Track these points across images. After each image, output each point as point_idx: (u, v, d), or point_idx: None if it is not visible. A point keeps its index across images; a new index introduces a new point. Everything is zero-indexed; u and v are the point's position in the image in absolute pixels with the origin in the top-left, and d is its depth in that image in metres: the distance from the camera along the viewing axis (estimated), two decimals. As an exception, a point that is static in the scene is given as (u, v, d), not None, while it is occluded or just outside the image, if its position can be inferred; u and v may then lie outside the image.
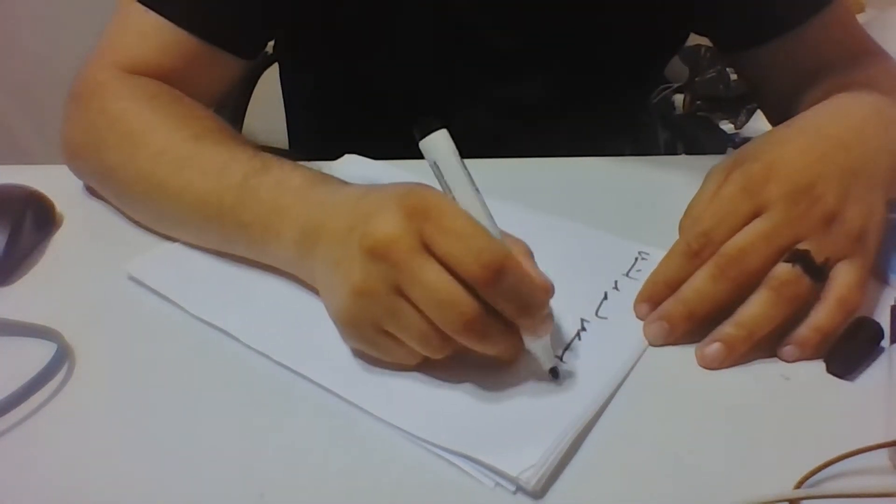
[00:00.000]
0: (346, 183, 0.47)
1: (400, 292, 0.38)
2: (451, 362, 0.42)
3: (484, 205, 0.40)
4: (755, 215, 0.45)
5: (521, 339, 0.40)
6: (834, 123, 0.50)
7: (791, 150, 0.48)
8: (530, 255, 0.41)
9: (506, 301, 0.38)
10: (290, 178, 0.47)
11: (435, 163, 0.39)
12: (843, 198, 0.45)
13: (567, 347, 0.44)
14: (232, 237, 0.49)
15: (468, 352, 0.40)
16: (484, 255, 0.37)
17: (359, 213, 0.41)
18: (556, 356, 0.42)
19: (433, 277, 0.37)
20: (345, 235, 0.41)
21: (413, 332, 0.39)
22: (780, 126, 0.51)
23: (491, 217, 0.40)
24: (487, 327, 0.38)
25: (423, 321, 0.38)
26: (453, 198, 0.39)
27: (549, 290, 0.40)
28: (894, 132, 0.50)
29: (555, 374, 0.41)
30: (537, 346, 0.41)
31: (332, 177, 0.48)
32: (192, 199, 0.50)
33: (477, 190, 0.40)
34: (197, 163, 0.51)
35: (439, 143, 0.39)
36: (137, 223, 0.55)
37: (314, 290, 0.46)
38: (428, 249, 0.38)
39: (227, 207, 0.48)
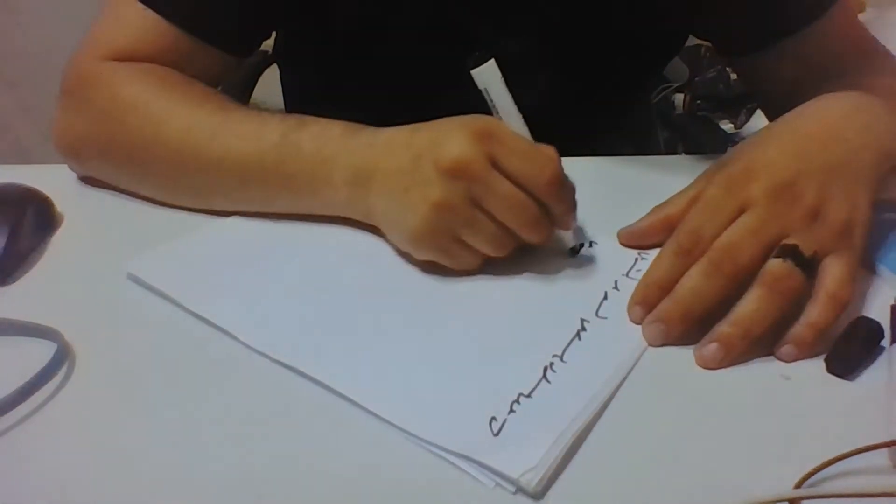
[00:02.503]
0: (381, 128, 0.52)
1: (476, 204, 0.46)
2: (456, 359, 0.43)
3: (525, 124, 0.49)
4: (740, 213, 0.46)
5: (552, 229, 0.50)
6: (813, 123, 0.51)
7: (770, 150, 0.49)
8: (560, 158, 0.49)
9: (558, 203, 0.48)
10: (328, 128, 0.52)
11: (486, 89, 0.48)
12: (823, 194, 0.46)
13: (567, 347, 0.44)
14: (275, 193, 0.53)
15: (524, 244, 0.49)
16: (547, 170, 0.46)
17: (419, 145, 0.48)
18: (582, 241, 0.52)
19: (506, 189, 0.46)
20: (410, 166, 0.47)
21: (487, 235, 0.48)
22: (762, 129, 0.52)
23: (530, 135, 0.49)
24: (544, 222, 0.48)
25: (494, 226, 0.47)
26: (500, 118, 0.48)
27: (574, 190, 0.49)
28: (879, 128, 0.51)
29: (574, 251, 0.52)
30: (565, 234, 0.52)
31: (365, 126, 0.52)
32: (231, 164, 0.53)
33: (519, 112, 0.48)
34: (229, 130, 0.54)
35: (489, 72, 0.48)
36: (138, 222, 0.56)
37: (371, 229, 0.52)
38: (496, 167, 0.46)
39: (269, 164, 0.52)
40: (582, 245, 0.52)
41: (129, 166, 0.57)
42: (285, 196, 0.53)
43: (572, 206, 0.49)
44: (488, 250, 0.48)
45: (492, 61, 0.47)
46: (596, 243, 0.53)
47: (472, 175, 0.45)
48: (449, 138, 0.46)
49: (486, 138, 0.46)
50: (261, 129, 0.53)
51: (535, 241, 0.49)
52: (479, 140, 0.46)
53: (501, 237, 0.48)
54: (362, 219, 0.52)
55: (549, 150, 0.47)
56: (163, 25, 0.59)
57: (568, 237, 0.52)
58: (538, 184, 0.46)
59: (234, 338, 0.45)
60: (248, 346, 0.44)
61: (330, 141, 0.52)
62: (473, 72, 0.47)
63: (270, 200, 0.54)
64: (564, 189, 0.48)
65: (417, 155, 0.47)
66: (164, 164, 0.55)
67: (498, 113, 0.48)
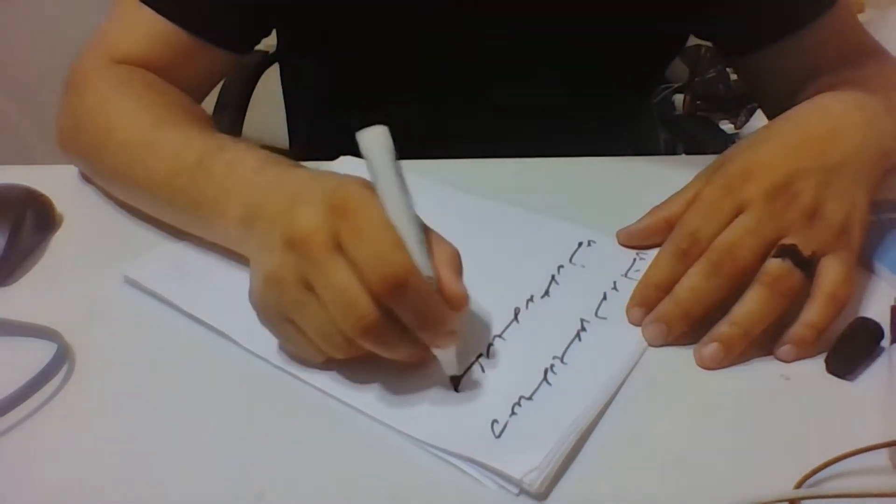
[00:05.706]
0: (298, 165, 0.47)
1: (308, 286, 0.38)
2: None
3: (410, 207, 0.39)
4: (737, 213, 0.46)
5: (425, 346, 0.40)
6: (812, 121, 0.50)
7: (768, 150, 0.48)
8: (456, 262, 0.40)
9: (404, 313, 0.38)
10: (243, 158, 0.48)
11: (368, 158, 0.39)
12: (821, 193, 0.46)
13: (567, 349, 0.44)
14: (186, 216, 0.51)
15: (373, 355, 0.39)
16: (385, 267, 0.36)
17: (294, 200, 0.41)
18: (470, 363, 0.43)
19: (339, 278, 0.37)
20: (274, 220, 0.41)
21: (316, 328, 0.39)
22: (760, 128, 0.52)
23: (415, 220, 0.38)
24: (387, 333, 0.38)
25: (326, 319, 0.38)
26: (379, 195, 0.38)
27: (460, 303, 0.39)
28: (878, 127, 0.51)
29: (455, 382, 0.41)
30: (440, 354, 0.40)
31: (287, 160, 0.47)
32: (152, 184, 0.52)
33: (405, 191, 0.39)
34: (156, 149, 0.52)
35: (373, 139, 0.39)
36: (137, 223, 0.56)
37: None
38: (341, 249, 0.37)
39: (180, 188, 0.50)
40: (463, 375, 0.42)
41: (90, 170, 0.59)
42: (194, 222, 0.50)
43: (435, 321, 0.38)
44: (323, 346, 0.40)
45: (382, 128, 0.39)
46: (595, 243, 0.53)
47: (306, 252, 0.38)
48: (305, 204, 0.39)
49: (340, 213, 0.38)
50: (182, 151, 0.50)
51: (381, 353, 0.39)
52: (331, 214, 0.38)
53: (334, 336, 0.39)
54: (248, 259, 0.45)
55: (401, 255, 0.37)
56: (160, 23, 0.60)
57: (446, 360, 0.41)
58: (370, 279, 0.36)
59: (234, 341, 0.45)
60: (246, 350, 0.44)
61: (239, 171, 0.47)
62: (358, 134, 0.39)
63: (185, 224, 0.52)
64: (409, 295, 0.37)
65: (283, 211, 0.41)
66: (108, 175, 0.56)
67: (377, 188, 0.39)
